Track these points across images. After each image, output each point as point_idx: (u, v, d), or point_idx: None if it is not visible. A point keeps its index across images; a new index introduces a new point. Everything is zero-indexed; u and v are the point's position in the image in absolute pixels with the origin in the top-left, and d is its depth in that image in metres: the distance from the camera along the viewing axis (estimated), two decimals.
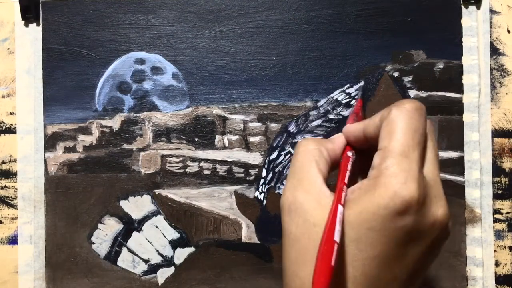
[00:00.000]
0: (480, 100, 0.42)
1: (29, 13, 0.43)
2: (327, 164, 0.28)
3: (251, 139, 0.43)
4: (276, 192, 0.43)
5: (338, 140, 0.30)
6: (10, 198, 0.44)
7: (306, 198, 0.26)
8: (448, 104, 0.42)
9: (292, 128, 0.43)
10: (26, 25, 0.44)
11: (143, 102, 0.44)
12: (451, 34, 0.42)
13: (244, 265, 0.42)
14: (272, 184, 0.43)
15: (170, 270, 0.43)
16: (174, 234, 0.43)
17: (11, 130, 0.44)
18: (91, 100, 0.44)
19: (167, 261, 0.43)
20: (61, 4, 0.44)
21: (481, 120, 0.42)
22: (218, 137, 0.43)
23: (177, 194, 0.43)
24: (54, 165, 0.43)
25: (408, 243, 0.24)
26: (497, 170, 0.42)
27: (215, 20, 0.43)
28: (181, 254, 0.43)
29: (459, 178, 0.42)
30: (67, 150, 0.43)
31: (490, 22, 0.43)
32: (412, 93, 0.42)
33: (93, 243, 0.43)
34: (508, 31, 0.43)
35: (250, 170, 0.43)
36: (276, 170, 0.43)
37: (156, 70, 0.44)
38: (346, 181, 0.26)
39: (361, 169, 0.29)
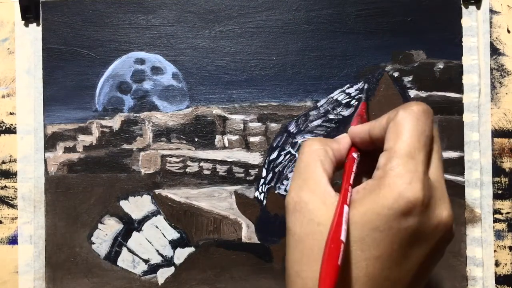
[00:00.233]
0: (480, 100, 0.42)
1: (29, 13, 0.43)
2: (332, 164, 0.28)
3: (251, 139, 0.43)
4: (276, 192, 0.43)
5: (343, 141, 0.30)
6: (10, 198, 0.44)
7: (311, 198, 0.26)
8: (448, 104, 0.42)
9: (292, 128, 0.43)
10: (26, 25, 0.44)
11: (143, 102, 0.44)
12: (451, 34, 0.42)
13: (244, 265, 0.42)
14: (272, 184, 0.43)
15: (170, 270, 0.43)
16: (174, 234, 0.43)
17: (11, 130, 0.44)
18: (91, 100, 0.44)
19: (167, 261, 0.43)
20: (61, 4, 0.44)
21: (481, 120, 0.42)
22: (218, 137, 0.43)
23: (177, 194, 0.43)
24: (54, 165, 0.43)
25: (412, 244, 0.24)
26: (497, 170, 0.42)
27: (215, 20, 0.43)
28: (181, 254, 0.43)
29: (459, 178, 0.42)
30: (67, 150, 0.43)
31: (490, 22, 0.43)
32: (412, 93, 0.42)
33: (93, 243, 0.43)
34: (508, 31, 0.43)
35: (250, 170, 0.43)
36: (276, 170, 0.43)
37: (156, 70, 0.44)
38: (351, 181, 0.26)
39: (366, 169, 0.29)
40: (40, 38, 0.44)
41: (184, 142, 0.43)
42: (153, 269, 0.43)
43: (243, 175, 0.43)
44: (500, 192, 0.42)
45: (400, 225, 0.24)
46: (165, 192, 0.43)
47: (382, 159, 0.26)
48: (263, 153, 0.43)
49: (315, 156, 0.28)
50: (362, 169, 0.29)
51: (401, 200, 0.24)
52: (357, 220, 0.24)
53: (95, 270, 0.43)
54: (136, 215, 0.43)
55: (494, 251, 0.42)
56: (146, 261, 0.43)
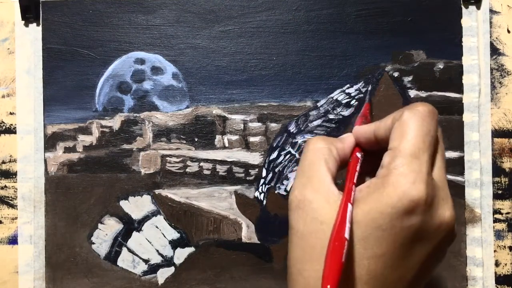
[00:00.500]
0: (480, 100, 0.42)
1: (29, 13, 0.43)
2: (336, 163, 0.28)
3: (251, 139, 0.43)
4: (276, 192, 0.43)
5: (347, 140, 0.30)
6: (10, 198, 0.44)
7: (315, 196, 0.26)
8: (448, 104, 0.42)
9: (292, 128, 0.43)
10: (26, 25, 0.44)
11: (143, 102, 0.44)
12: (451, 34, 0.42)
13: (244, 265, 0.42)
14: (272, 184, 0.43)
15: (170, 270, 0.43)
16: (174, 234, 0.43)
17: (11, 130, 0.44)
18: (91, 100, 0.44)
19: (167, 261, 0.43)
20: (61, 4, 0.44)
21: (481, 120, 0.42)
22: (218, 137, 0.43)
23: (177, 194, 0.43)
24: (54, 165, 0.43)
25: (414, 243, 0.24)
26: (497, 170, 0.42)
27: (215, 20, 0.43)
28: (181, 254, 0.43)
29: (459, 178, 0.42)
30: (67, 150, 0.43)
31: (490, 22, 0.43)
32: (412, 93, 0.42)
33: (93, 243, 0.43)
34: (508, 31, 0.43)
35: (250, 170, 0.43)
36: (276, 170, 0.43)
37: (156, 70, 0.44)
38: (355, 181, 0.26)
39: (369, 169, 0.29)
40: (40, 38, 0.44)
41: (184, 142, 0.43)
42: (153, 269, 0.43)
43: (243, 175, 0.43)
44: (500, 192, 0.42)
45: (403, 224, 0.24)
46: (165, 192, 0.43)
47: (387, 158, 0.26)
48: (263, 153, 0.43)
49: (320, 154, 0.28)
50: (366, 169, 0.29)
51: (405, 199, 0.24)
52: (360, 219, 0.24)
53: (95, 270, 0.43)
54: (136, 215, 0.43)
55: (494, 251, 0.42)
56: (146, 261, 0.43)
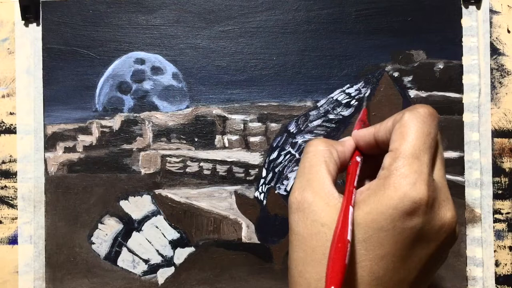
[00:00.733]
0: (480, 100, 0.42)
1: (29, 13, 0.43)
2: (336, 166, 0.28)
3: (251, 139, 0.43)
4: (276, 192, 0.43)
5: (348, 143, 0.30)
6: (10, 198, 0.44)
7: (315, 199, 0.26)
8: (448, 104, 0.42)
9: (292, 128, 0.43)
10: (26, 25, 0.44)
11: (143, 102, 0.44)
12: (451, 34, 0.42)
13: (244, 265, 0.42)
14: (272, 184, 0.43)
15: (170, 270, 0.43)
16: (174, 234, 0.43)
17: (11, 130, 0.44)
18: (91, 100, 0.44)
19: (167, 261, 0.43)
20: (61, 4, 0.44)
21: (481, 120, 0.42)
22: (218, 137, 0.43)
23: (177, 194, 0.43)
24: (54, 165, 0.43)
25: (415, 245, 0.24)
26: (497, 170, 0.42)
27: (215, 20, 0.43)
28: (181, 254, 0.43)
29: (459, 178, 0.42)
30: (67, 150, 0.43)
31: (490, 22, 0.43)
32: (412, 93, 0.42)
33: (93, 243, 0.43)
34: (508, 31, 0.43)
35: (250, 170, 0.43)
36: (276, 170, 0.43)
37: (156, 70, 0.44)
38: (355, 184, 0.26)
39: (369, 172, 0.29)
40: (40, 38, 0.44)
41: (184, 142, 0.43)
42: (153, 269, 0.43)
43: (243, 175, 0.43)
44: (500, 192, 0.42)
45: (405, 225, 0.24)
46: (165, 192, 0.43)
47: (387, 159, 0.26)
48: (263, 153, 0.43)
49: (320, 157, 0.28)
50: (365, 172, 0.29)
51: (406, 200, 0.24)
52: (362, 220, 0.24)
53: (95, 270, 0.43)
54: (136, 215, 0.43)
55: (494, 251, 0.42)
56: (146, 261, 0.43)
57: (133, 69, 0.44)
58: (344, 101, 0.43)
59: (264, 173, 0.43)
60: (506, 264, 0.42)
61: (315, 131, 0.43)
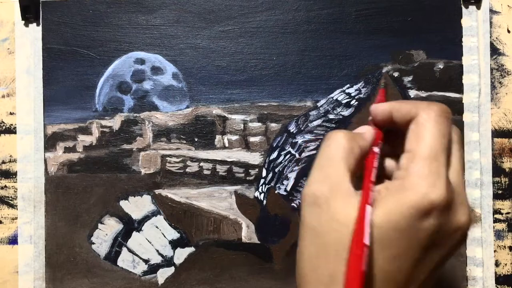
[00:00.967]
0: (480, 100, 0.42)
1: (29, 13, 0.43)
2: (355, 162, 0.27)
3: (251, 139, 0.43)
4: (276, 192, 0.43)
5: (368, 137, 0.29)
6: (10, 198, 0.44)
7: (333, 195, 0.26)
8: (448, 104, 0.42)
9: (292, 128, 0.43)
10: (26, 25, 0.44)
11: (143, 102, 0.44)
12: (451, 34, 0.42)
13: (244, 265, 0.42)
14: (272, 184, 0.43)
15: (170, 270, 0.43)
16: (174, 234, 0.43)
17: (11, 130, 0.44)
18: (91, 100, 0.44)
19: (167, 261, 0.43)
20: (61, 4, 0.44)
21: (481, 120, 0.42)
22: (218, 137, 0.43)
23: (177, 194, 0.43)
24: (54, 165, 0.43)
25: (430, 246, 0.25)
26: (497, 170, 0.42)
27: (215, 20, 0.43)
28: (181, 254, 0.43)
29: None
30: (67, 150, 0.43)
31: (490, 22, 0.43)
32: (412, 93, 0.42)
33: (93, 243, 0.43)
34: (508, 31, 0.43)
35: (250, 170, 0.43)
36: (276, 170, 0.43)
37: (156, 70, 0.44)
38: (372, 178, 0.26)
39: (386, 166, 0.29)
40: (40, 38, 0.44)
41: (184, 142, 0.43)
42: (153, 269, 0.43)
43: (243, 175, 0.43)
44: (500, 192, 0.42)
45: (421, 226, 0.24)
46: (165, 192, 0.43)
47: (404, 160, 0.26)
48: (263, 153, 0.43)
49: (341, 152, 0.27)
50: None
51: (425, 201, 0.24)
52: (379, 220, 0.24)
53: (95, 270, 0.43)
54: (136, 215, 0.43)
55: (494, 251, 0.42)
56: (146, 261, 0.43)
57: (133, 69, 0.44)
58: (344, 101, 0.43)
59: (264, 173, 0.43)
60: (506, 264, 0.42)
61: (315, 131, 0.43)
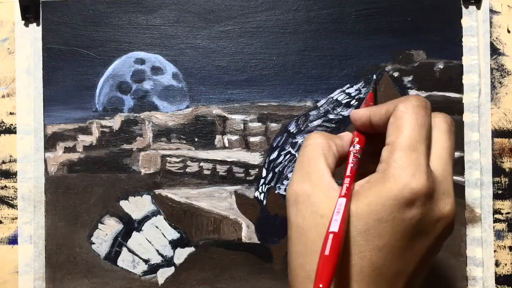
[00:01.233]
0: (480, 100, 0.42)
1: (29, 13, 0.43)
2: (334, 158, 0.28)
3: (251, 139, 0.43)
4: (276, 192, 0.43)
5: (346, 137, 0.30)
6: (10, 198, 0.44)
7: (314, 190, 0.26)
8: (448, 104, 0.42)
9: (292, 128, 0.43)
10: (26, 25, 0.44)
11: (143, 102, 0.44)
12: (451, 34, 0.42)
13: (244, 265, 0.42)
14: (272, 184, 0.43)
15: (170, 270, 0.43)
16: (174, 234, 0.43)
17: (11, 130, 0.44)
18: (91, 100, 0.44)
19: (167, 261, 0.43)
20: (61, 4, 0.44)
21: (481, 120, 0.42)
22: (218, 137, 0.43)
23: (177, 194, 0.43)
24: (54, 165, 0.43)
25: (414, 236, 0.25)
26: (497, 170, 0.42)
27: (215, 20, 0.43)
28: (181, 254, 0.43)
29: (459, 178, 0.42)
30: (67, 150, 0.43)
31: (490, 22, 0.43)
32: (412, 93, 0.42)
33: (93, 243, 0.43)
34: (508, 31, 0.43)
35: (250, 170, 0.43)
36: (276, 170, 0.43)
37: (156, 70, 0.44)
38: (348, 173, 0.27)
39: (370, 168, 0.30)
40: (40, 38, 0.44)
41: (184, 142, 0.43)
42: (153, 269, 0.43)
43: (243, 175, 0.43)
44: (500, 192, 0.42)
45: (404, 215, 0.24)
46: (165, 192, 0.43)
47: (385, 152, 0.26)
48: (263, 153, 0.43)
49: (319, 149, 0.28)
50: (367, 168, 0.30)
51: (406, 191, 0.24)
52: (362, 212, 0.25)
53: (95, 270, 0.43)
54: (136, 215, 0.43)
55: (494, 251, 0.42)
56: (146, 261, 0.43)
57: (133, 69, 0.44)
58: (344, 101, 0.43)
59: (264, 173, 0.43)
60: (506, 264, 0.42)
61: (315, 131, 0.43)
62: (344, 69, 0.43)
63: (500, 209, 0.42)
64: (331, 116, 0.43)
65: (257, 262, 0.42)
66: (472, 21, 0.42)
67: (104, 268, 0.43)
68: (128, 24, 0.44)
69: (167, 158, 0.43)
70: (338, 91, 0.43)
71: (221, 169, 0.43)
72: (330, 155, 0.28)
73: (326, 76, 0.43)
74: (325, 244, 0.22)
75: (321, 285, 0.21)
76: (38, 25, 0.44)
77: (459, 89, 0.42)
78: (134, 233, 0.43)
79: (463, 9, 0.42)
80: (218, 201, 0.43)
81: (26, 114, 0.44)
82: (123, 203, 0.43)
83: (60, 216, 0.43)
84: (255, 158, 0.43)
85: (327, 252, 0.22)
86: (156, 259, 0.43)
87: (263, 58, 0.43)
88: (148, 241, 0.43)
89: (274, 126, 0.43)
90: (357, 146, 0.29)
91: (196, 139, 0.43)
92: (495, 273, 0.42)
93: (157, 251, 0.43)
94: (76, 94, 0.44)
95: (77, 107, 0.44)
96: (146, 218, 0.43)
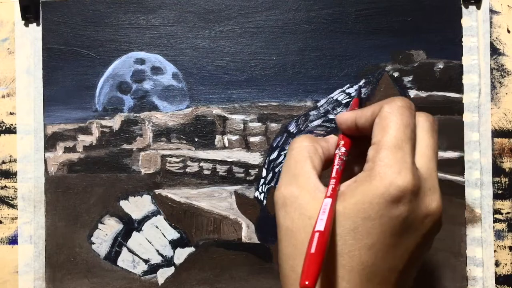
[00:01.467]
0: (480, 100, 0.42)
1: (29, 13, 0.43)
2: (321, 161, 0.29)
3: (251, 139, 0.43)
4: None
5: (332, 140, 0.31)
6: (10, 198, 0.44)
7: (301, 192, 0.27)
8: (448, 104, 0.42)
9: (292, 128, 0.43)
10: (26, 25, 0.44)
11: (143, 102, 0.44)
12: (451, 34, 0.42)
13: (244, 265, 0.42)
14: (272, 184, 0.43)
15: (170, 270, 0.43)
16: (174, 234, 0.43)
17: (11, 130, 0.44)
18: (91, 100, 0.44)
19: (167, 261, 0.43)
20: (61, 4, 0.44)
21: (481, 120, 0.42)
22: (218, 137, 0.43)
23: (177, 194, 0.43)
24: (54, 165, 0.43)
25: (402, 233, 0.25)
26: (497, 170, 0.42)
27: (215, 20, 0.43)
28: (181, 254, 0.43)
29: (459, 178, 0.42)
30: (67, 150, 0.43)
31: (490, 22, 0.43)
32: (412, 93, 0.42)
33: (93, 243, 0.43)
34: (508, 31, 0.43)
35: (250, 170, 0.43)
36: (276, 170, 0.43)
37: (156, 70, 0.44)
38: (334, 175, 0.27)
39: (357, 167, 0.30)
40: (40, 38, 0.44)
41: (184, 142, 0.43)
42: (153, 269, 0.43)
43: (243, 175, 0.43)
44: (500, 192, 0.42)
45: (391, 213, 0.24)
46: (165, 192, 0.43)
47: (371, 152, 0.26)
48: (263, 153, 0.43)
49: (305, 152, 0.28)
50: (353, 166, 0.30)
51: (392, 188, 0.24)
52: (349, 211, 0.25)
53: (95, 270, 0.43)
54: (136, 215, 0.43)
55: (494, 251, 0.42)
56: (146, 261, 0.43)
57: (133, 69, 0.44)
58: (344, 101, 0.43)
59: (264, 173, 0.43)
60: (506, 264, 0.42)
61: (315, 131, 0.43)
62: (344, 69, 0.43)
63: (500, 209, 0.42)
64: (331, 116, 0.43)
65: (257, 262, 0.42)
66: (472, 21, 0.42)
67: (104, 268, 0.43)
68: (128, 24, 0.44)
69: (167, 158, 0.43)
70: (338, 91, 0.43)
71: (221, 169, 0.43)
72: (316, 158, 0.28)
73: (326, 76, 0.43)
74: (311, 242, 0.23)
75: (307, 282, 0.21)
76: (38, 25, 0.44)
77: (459, 89, 0.42)
78: (134, 233, 0.43)
79: (463, 9, 0.42)
80: (218, 201, 0.43)
81: (26, 114, 0.44)
82: (123, 203, 0.43)
83: (60, 216, 0.43)
84: (255, 158, 0.43)
85: (313, 250, 0.22)
86: (156, 259, 0.43)
87: (263, 58, 0.43)
88: (148, 241, 0.43)
89: (274, 126, 0.43)
90: (343, 149, 0.29)
91: (196, 139, 0.43)
92: (495, 273, 0.42)
93: (157, 251, 0.43)
94: (76, 94, 0.44)
95: (77, 107, 0.44)
96: (146, 218, 0.43)
